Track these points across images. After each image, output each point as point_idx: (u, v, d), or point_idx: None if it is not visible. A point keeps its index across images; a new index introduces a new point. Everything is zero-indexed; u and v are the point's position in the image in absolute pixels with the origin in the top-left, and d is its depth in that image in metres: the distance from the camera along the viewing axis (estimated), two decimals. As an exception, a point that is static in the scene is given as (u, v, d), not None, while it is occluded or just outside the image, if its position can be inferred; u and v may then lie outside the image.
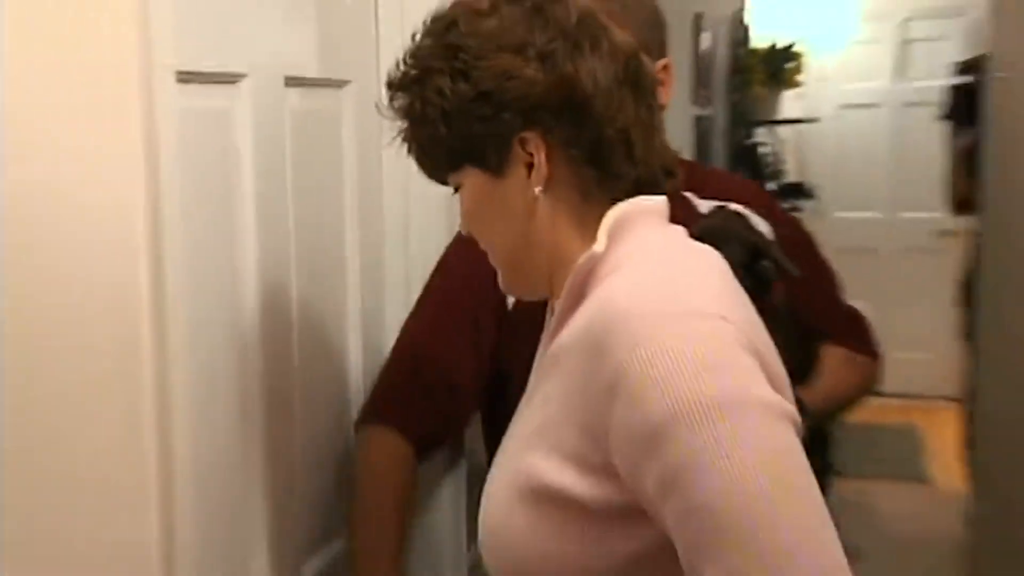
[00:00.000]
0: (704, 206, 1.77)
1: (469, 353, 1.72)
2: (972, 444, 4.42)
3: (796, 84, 5.02)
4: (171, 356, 1.18)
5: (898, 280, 6.41)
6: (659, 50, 1.72)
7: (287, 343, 1.62)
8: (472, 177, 1.22)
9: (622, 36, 1.23)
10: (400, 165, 1.89)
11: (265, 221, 1.54)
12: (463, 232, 1.30)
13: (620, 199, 1.19)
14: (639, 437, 1.02)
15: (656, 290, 1.11)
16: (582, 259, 1.15)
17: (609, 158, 1.19)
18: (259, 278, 1.54)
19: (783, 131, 5.70)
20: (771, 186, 5.24)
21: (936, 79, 6.48)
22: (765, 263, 1.55)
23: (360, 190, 1.83)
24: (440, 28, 1.21)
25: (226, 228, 1.48)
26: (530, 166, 1.18)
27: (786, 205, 5.29)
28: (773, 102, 5.10)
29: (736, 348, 1.05)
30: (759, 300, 1.26)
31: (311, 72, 1.67)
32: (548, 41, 1.16)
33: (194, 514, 1.23)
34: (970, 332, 4.53)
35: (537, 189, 1.18)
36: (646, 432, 1.01)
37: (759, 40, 5.41)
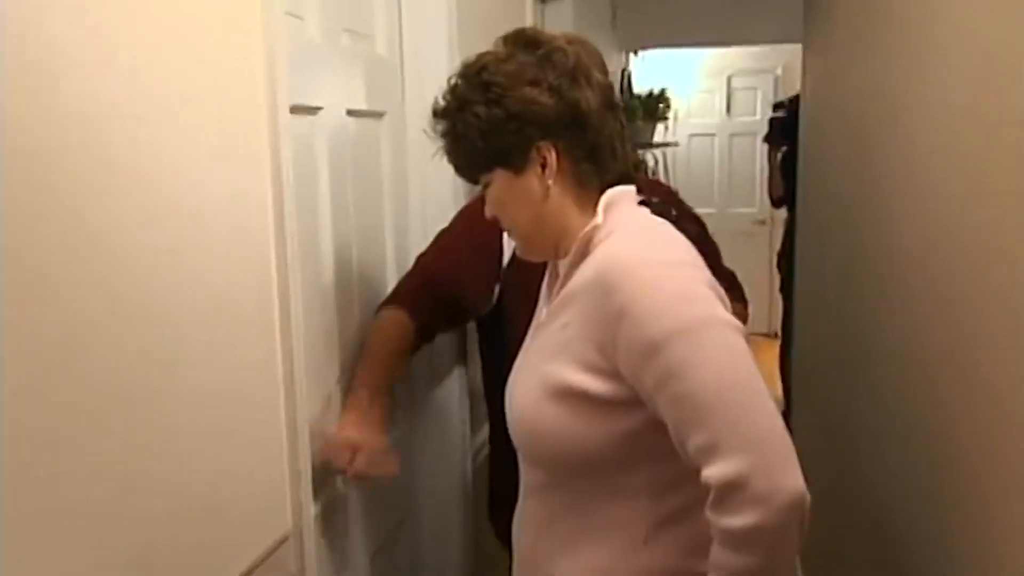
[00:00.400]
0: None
1: (471, 280, 1.65)
2: (785, 367, 4.52)
3: (665, 119, 5.05)
4: (292, 310, 1.17)
5: (729, 255, 6.47)
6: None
7: (349, 281, 1.58)
8: (499, 176, 1.20)
9: (600, 74, 1.22)
10: (419, 173, 1.89)
11: (336, 214, 1.51)
12: (488, 216, 1.27)
13: (606, 188, 1.19)
14: (641, 347, 1.04)
15: (646, 247, 1.13)
16: (587, 227, 1.15)
17: (601, 157, 1.19)
18: (334, 253, 1.51)
19: (656, 152, 5.73)
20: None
21: (752, 116, 6.68)
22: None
23: (394, 192, 1.80)
24: (472, 72, 1.19)
25: (311, 219, 1.44)
26: (543, 165, 1.18)
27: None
28: (648, 131, 5.11)
29: (704, 286, 1.08)
30: None
31: (362, 105, 1.62)
32: (556, 78, 1.16)
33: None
34: (783, 288, 4.63)
35: (550, 181, 1.18)
36: (648, 344, 1.03)
37: (638, 87, 5.43)
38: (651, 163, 5.16)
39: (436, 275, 1.66)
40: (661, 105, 4.84)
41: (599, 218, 1.15)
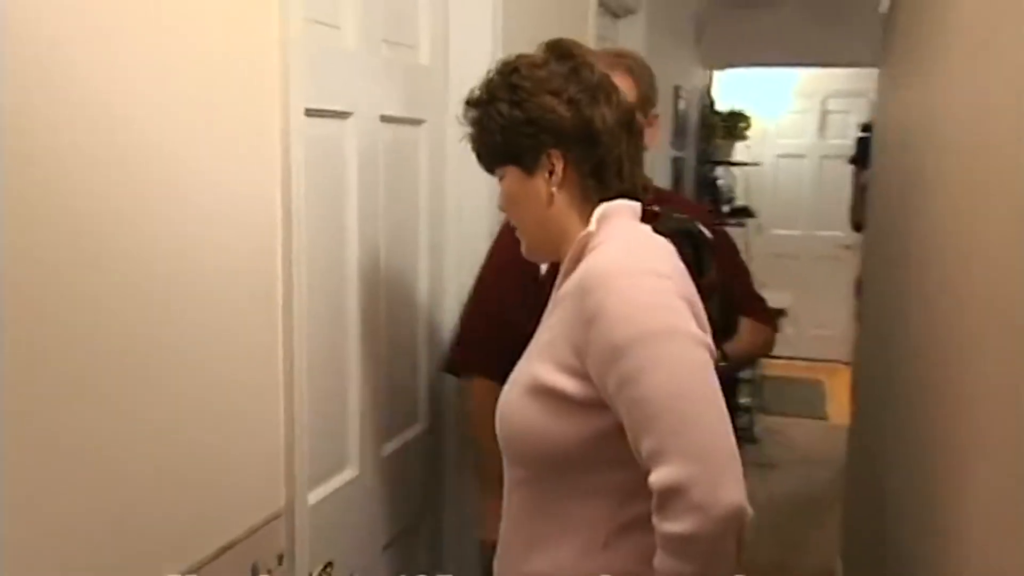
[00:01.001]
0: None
1: (522, 309, 1.72)
2: (856, 393, 4.41)
3: (745, 138, 5.00)
4: (295, 302, 1.22)
5: (813, 279, 6.34)
6: (654, 101, 1.77)
7: (374, 279, 1.62)
8: (511, 172, 1.25)
9: (625, 96, 1.26)
10: (457, 183, 1.94)
11: (363, 215, 1.57)
12: (500, 209, 1.32)
13: (607, 201, 1.22)
14: (606, 352, 1.07)
15: (624, 258, 1.15)
16: (580, 235, 1.19)
17: (605, 175, 1.22)
18: (359, 252, 1.56)
19: (737, 171, 5.66)
20: (725, 208, 5.21)
21: (845, 139, 6.49)
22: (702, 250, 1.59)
23: (430, 198, 1.84)
24: (507, 70, 1.24)
25: (337, 218, 1.51)
26: (551, 172, 1.21)
27: (734, 221, 5.27)
28: (728, 149, 5.07)
29: (673, 296, 1.10)
30: (699, 278, 1.30)
31: (399, 112, 1.68)
32: (577, 92, 1.20)
33: (309, 403, 1.28)
34: (859, 315, 4.51)
35: (554, 188, 1.21)
36: (611, 349, 1.06)
37: (721, 106, 5.39)
38: (727, 181, 5.12)
39: (494, 320, 1.73)
40: (742, 124, 4.81)
41: (592, 226, 1.18)
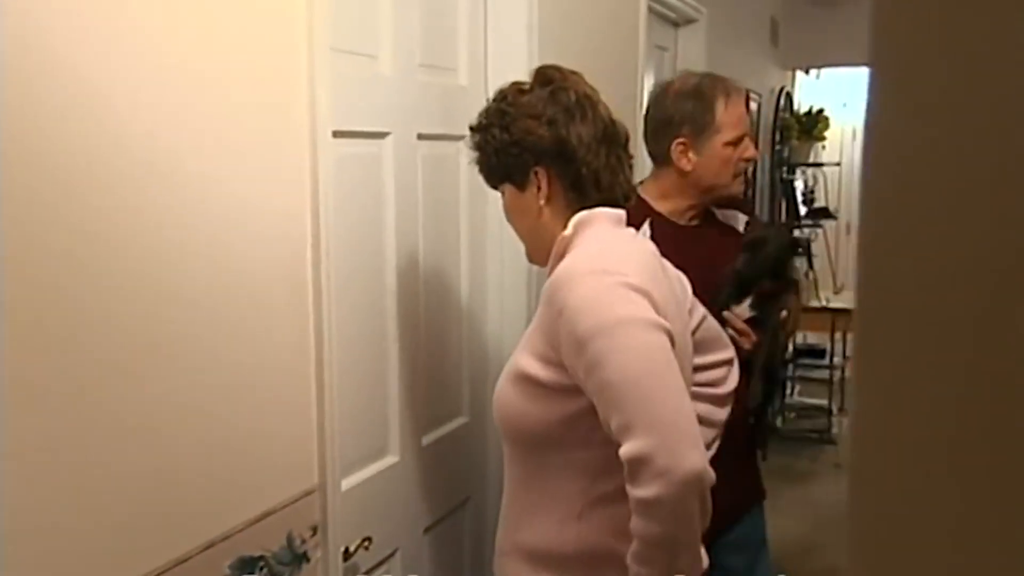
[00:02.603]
0: (737, 219, 2.00)
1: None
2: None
3: (823, 139, 4.96)
4: (324, 305, 1.38)
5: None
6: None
7: (414, 288, 1.76)
8: (508, 189, 1.41)
9: (605, 110, 1.38)
10: (496, 196, 2.05)
11: (402, 232, 1.71)
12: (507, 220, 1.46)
13: (588, 209, 1.34)
14: (574, 343, 1.20)
15: (593, 259, 1.28)
16: (557, 240, 1.33)
17: (583, 186, 1.34)
18: (397, 257, 1.70)
19: (823, 171, 5.60)
20: (804, 209, 5.18)
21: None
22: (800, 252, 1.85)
23: (471, 212, 1.96)
24: (499, 98, 1.40)
25: (375, 235, 1.65)
26: (539, 188, 1.36)
27: (811, 222, 5.23)
28: (807, 151, 5.04)
29: (628, 290, 1.22)
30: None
31: (436, 130, 1.82)
32: (555, 113, 1.34)
33: (342, 394, 1.43)
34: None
35: (541, 201, 1.36)
36: (576, 341, 1.19)
37: (803, 108, 5.35)
38: (807, 183, 5.07)
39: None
40: (820, 125, 4.77)
41: (568, 231, 1.32)
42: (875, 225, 0.38)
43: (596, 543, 1.26)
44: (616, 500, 1.21)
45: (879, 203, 0.38)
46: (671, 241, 1.65)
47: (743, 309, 1.78)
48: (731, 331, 1.74)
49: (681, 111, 1.86)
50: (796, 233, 4.77)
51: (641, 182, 1.91)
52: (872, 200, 0.38)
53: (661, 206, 1.90)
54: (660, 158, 1.92)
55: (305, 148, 1.35)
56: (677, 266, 1.49)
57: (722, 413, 1.55)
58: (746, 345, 1.74)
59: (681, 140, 1.86)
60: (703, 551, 1.22)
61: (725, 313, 1.77)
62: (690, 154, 1.86)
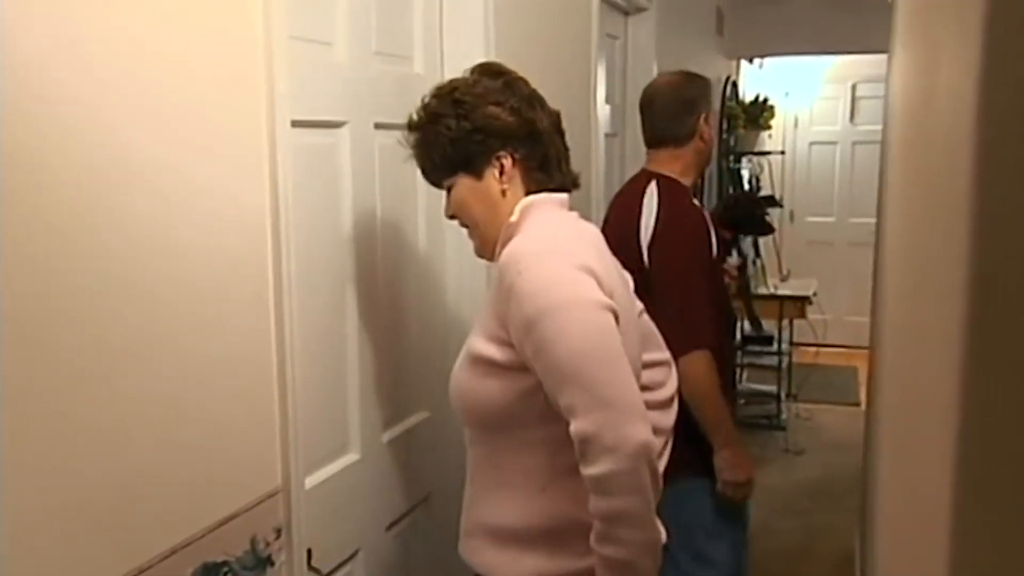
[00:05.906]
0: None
1: (712, 283, 2.08)
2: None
3: (769, 127, 5.03)
4: (284, 297, 1.33)
5: (846, 266, 6.35)
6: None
7: (372, 273, 1.73)
8: (461, 180, 1.41)
9: (548, 105, 1.44)
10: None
11: (359, 224, 1.68)
12: (446, 216, 1.46)
13: (551, 192, 1.39)
14: (522, 324, 1.23)
15: (535, 242, 1.31)
16: (504, 227, 1.35)
17: (550, 169, 1.39)
18: (355, 248, 1.67)
19: (770, 160, 5.68)
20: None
21: (875, 124, 6.44)
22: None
23: (428, 203, 1.92)
24: (445, 92, 1.41)
25: (332, 227, 1.62)
26: (501, 172, 1.37)
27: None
28: (753, 139, 5.11)
29: (575, 271, 1.25)
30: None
31: (393, 119, 1.77)
32: (516, 101, 1.38)
33: (304, 393, 1.39)
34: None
35: (504, 185, 1.38)
36: (525, 321, 1.22)
37: (749, 97, 5.41)
38: (752, 171, 5.14)
39: (711, 304, 2.02)
40: (764, 113, 4.83)
41: (514, 216, 1.35)
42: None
43: (561, 515, 1.30)
44: (577, 472, 1.22)
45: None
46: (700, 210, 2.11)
47: (733, 262, 2.15)
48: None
49: (700, 91, 2.17)
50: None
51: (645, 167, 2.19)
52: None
53: (686, 180, 2.15)
54: (683, 136, 2.13)
55: (264, 138, 1.31)
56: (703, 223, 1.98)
57: (668, 418, 1.56)
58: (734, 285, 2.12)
59: (705, 116, 2.15)
60: (659, 522, 1.24)
61: (724, 266, 2.16)
62: (708, 127, 2.16)
